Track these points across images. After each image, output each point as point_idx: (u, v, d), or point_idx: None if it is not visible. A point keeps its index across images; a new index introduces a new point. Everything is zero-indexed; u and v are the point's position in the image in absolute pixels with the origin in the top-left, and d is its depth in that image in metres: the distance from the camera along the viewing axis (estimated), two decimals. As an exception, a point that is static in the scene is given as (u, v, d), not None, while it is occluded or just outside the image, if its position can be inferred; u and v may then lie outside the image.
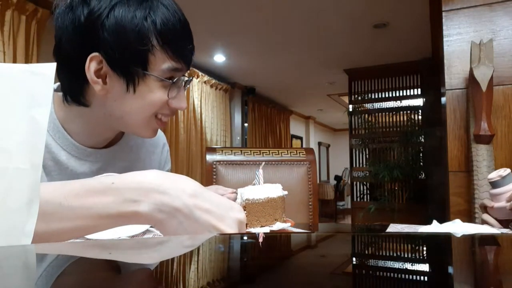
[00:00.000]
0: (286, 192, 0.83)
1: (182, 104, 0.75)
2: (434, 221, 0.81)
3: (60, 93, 0.75)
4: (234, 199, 0.83)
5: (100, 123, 0.76)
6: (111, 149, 0.83)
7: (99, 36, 0.65)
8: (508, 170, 0.84)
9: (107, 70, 0.68)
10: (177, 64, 0.71)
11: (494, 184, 0.84)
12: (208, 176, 1.39)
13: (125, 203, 0.44)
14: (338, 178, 9.61)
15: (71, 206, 0.43)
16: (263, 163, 1.01)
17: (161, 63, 0.69)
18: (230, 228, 0.46)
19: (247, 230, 0.75)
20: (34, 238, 0.36)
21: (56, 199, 0.43)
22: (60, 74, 0.72)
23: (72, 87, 0.72)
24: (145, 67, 0.68)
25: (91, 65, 0.67)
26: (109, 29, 0.65)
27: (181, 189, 0.46)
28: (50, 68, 0.37)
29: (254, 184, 0.87)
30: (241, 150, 1.46)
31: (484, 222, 0.85)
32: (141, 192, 0.45)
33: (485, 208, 0.86)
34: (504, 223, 0.83)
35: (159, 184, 0.45)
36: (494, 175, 0.85)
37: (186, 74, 0.77)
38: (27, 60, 2.67)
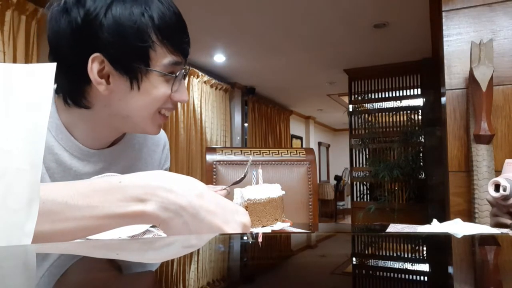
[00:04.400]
0: (284, 192, 0.84)
1: (184, 97, 0.76)
2: (434, 220, 0.81)
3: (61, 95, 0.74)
4: (224, 196, 0.83)
5: (103, 125, 0.75)
6: (114, 148, 0.82)
7: (99, 36, 0.65)
8: (503, 181, 0.82)
9: (110, 69, 0.68)
10: (177, 57, 0.72)
11: (506, 197, 0.82)
12: (208, 176, 1.39)
13: (131, 202, 0.44)
14: (338, 178, 9.61)
15: (78, 206, 0.43)
16: (250, 158, 1.02)
17: (162, 58, 0.70)
18: (234, 231, 0.46)
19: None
20: (40, 237, 0.36)
21: (63, 198, 0.43)
22: (58, 77, 0.71)
23: (73, 90, 0.72)
24: (147, 63, 0.69)
25: (94, 66, 0.66)
26: (109, 28, 0.65)
27: (188, 188, 0.46)
28: (50, 68, 0.37)
29: (239, 178, 0.86)
30: (241, 150, 1.45)
31: (502, 225, 0.84)
32: (147, 190, 0.44)
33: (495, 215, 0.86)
34: None
35: (166, 183, 0.45)
36: (498, 194, 0.82)
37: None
38: (27, 60, 2.67)
